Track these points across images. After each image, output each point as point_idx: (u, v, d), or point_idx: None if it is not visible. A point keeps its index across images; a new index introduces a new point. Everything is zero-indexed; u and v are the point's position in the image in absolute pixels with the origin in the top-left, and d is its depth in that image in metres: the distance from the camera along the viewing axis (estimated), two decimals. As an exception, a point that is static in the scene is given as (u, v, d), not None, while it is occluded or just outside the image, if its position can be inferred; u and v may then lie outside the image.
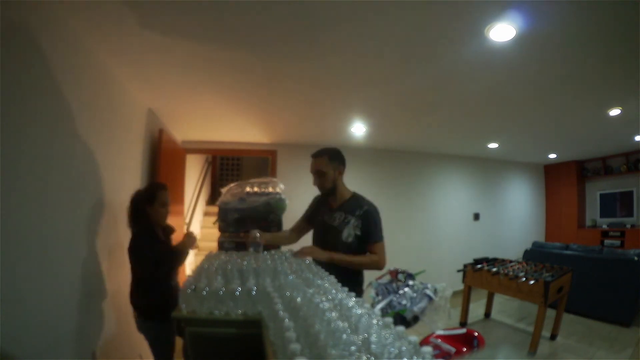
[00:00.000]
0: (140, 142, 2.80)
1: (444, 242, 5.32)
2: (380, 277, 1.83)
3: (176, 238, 2.17)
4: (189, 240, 2.01)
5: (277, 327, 0.83)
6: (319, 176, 1.80)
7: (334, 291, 1.05)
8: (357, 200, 1.83)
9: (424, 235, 5.16)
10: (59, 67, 1.54)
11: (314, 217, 1.97)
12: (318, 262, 1.70)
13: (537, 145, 5.00)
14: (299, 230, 2.07)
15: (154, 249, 1.86)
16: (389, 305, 1.73)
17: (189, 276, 1.32)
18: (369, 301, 1.83)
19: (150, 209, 1.94)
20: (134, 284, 1.92)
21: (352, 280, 1.69)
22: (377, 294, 1.76)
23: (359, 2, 1.50)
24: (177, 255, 1.95)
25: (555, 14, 1.61)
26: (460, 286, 3.93)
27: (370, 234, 1.75)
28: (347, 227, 1.76)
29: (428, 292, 1.84)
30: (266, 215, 2.32)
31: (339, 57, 2.06)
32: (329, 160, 1.78)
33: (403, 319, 1.72)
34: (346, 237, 1.75)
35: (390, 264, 2.41)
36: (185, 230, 2.89)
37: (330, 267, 1.59)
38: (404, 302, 1.75)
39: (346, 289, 1.12)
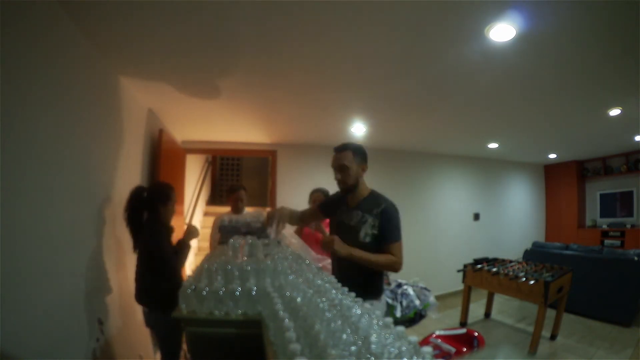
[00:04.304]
0: (140, 142, 2.80)
1: (444, 242, 5.32)
2: None
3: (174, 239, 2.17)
4: (192, 231, 2.11)
5: (277, 327, 0.83)
6: (342, 171, 1.70)
7: (334, 291, 1.04)
8: (375, 198, 1.72)
9: (424, 235, 5.15)
10: (59, 68, 1.54)
11: (330, 212, 1.89)
12: (336, 256, 1.65)
13: (537, 145, 4.99)
14: (309, 216, 2.01)
15: (171, 244, 2.00)
16: (406, 307, 1.75)
17: (189, 276, 1.32)
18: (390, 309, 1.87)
19: (163, 208, 2.02)
20: (145, 279, 1.94)
21: (374, 282, 1.70)
22: (392, 300, 1.79)
23: (359, 2, 1.50)
24: (187, 248, 2.06)
25: (555, 14, 1.61)
26: (460, 286, 3.94)
27: (387, 233, 1.64)
28: (364, 226, 1.65)
29: (421, 285, 1.87)
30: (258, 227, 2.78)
31: (339, 57, 2.06)
32: (353, 155, 1.69)
33: (420, 315, 1.75)
34: (363, 237, 1.64)
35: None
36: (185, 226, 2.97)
37: (352, 266, 1.58)
38: (416, 301, 1.78)
39: (345, 288, 1.12)
